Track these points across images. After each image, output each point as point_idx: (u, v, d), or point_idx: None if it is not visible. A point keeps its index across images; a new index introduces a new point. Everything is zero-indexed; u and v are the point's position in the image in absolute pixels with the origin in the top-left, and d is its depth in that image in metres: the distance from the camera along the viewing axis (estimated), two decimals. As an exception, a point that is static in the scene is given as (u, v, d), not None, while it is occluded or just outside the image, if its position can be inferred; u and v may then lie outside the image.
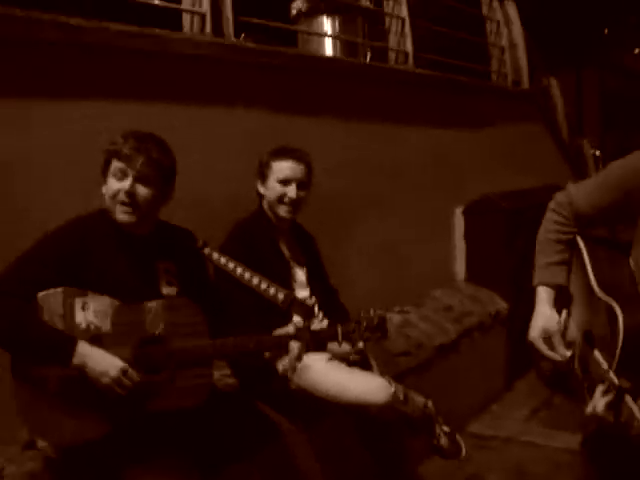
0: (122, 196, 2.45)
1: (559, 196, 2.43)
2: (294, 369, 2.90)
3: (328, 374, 3.12)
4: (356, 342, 2.96)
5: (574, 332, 2.29)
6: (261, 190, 3.32)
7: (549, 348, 2.26)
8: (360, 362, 3.31)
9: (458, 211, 5.70)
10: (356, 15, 5.10)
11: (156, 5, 3.41)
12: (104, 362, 2.32)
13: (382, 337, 2.85)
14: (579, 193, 2.36)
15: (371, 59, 5.17)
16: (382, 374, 3.32)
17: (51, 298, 2.35)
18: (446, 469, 4.15)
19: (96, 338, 2.36)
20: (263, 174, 3.30)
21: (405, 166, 5.06)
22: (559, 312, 2.34)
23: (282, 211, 3.28)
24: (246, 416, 2.71)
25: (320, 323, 3.28)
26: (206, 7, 3.49)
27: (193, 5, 3.51)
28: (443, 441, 3.40)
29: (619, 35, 29.61)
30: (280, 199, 3.26)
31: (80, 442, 2.37)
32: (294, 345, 2.70)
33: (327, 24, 5.01)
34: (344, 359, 3.25)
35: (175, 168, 2.59)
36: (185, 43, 3.35)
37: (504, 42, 6.72)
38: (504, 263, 5.59)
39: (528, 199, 5.93)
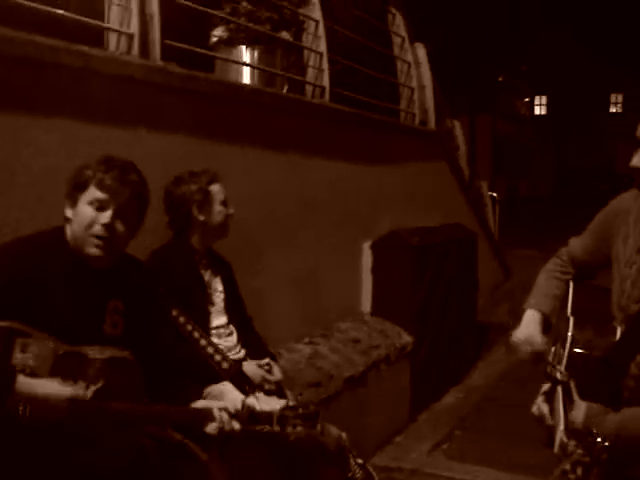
0: (99, 230, 2.33)
1: (563, 247, 2.63)
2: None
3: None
4: (286, 428, 2.86)
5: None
6: (201, 218, 3.28)
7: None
8: (276, 391, 3.31)
9: (366, 245, 5.78)
10: (275, 47, 5.14)
11: (83, 22, 3.33)
12: (50, 389, 2.17)
13: (311, 427, 2.80)
14: (575, 241, 2.57)
15: (288, 91, 5.21)
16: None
17: None
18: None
19: None
20: (203, 202, 3.28)
21: (316, 198, 5.11)
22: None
23: (226, 231, 3.39)
24: (164, 449, 2.63)
25: (237, 354, 3.29)
26: (134, 28, 3.45)
27: (121, 25, 3.47)
28: (358, 474, 3.41)
29: (511, 83, 31.05)
30: (226, 219, 3.36)
31: None
32: (227, 419, 2.55)
33: (246, 54, 5.03)
34: (260, 388, 3.24)
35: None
36: (112, 62, 3.29)
37: (414, 83, 6.92)
38: (410, 298, 5.73)
39: (434, 236, 6.12)
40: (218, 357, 3.01)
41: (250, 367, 3.24)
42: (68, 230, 2.40)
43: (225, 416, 2.50)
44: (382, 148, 6.10)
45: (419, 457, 4.97)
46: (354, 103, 5.77)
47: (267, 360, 3.31)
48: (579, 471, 1.74)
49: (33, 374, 2.19)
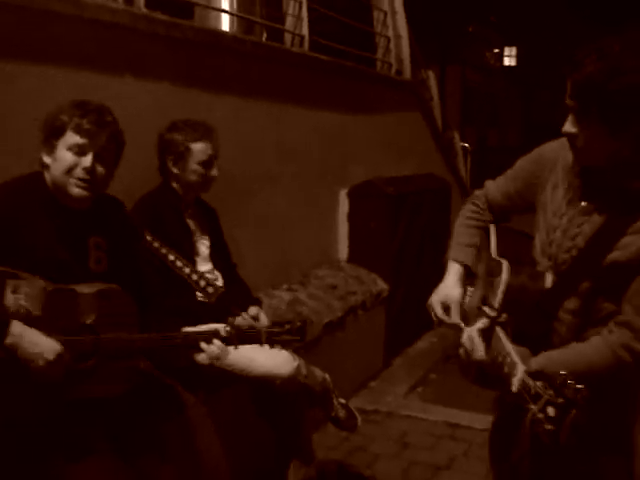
0: (81, 173, 2.36)
1: (477, 191, 2.67)
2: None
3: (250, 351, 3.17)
4: (275, 345, 2.94)
5: (472, 305, 2.47)
6: (174, 170, 3.31)
7: (445, 314, 2.43)
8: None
9: (343, 193, 5.85)
10: (254, -6, 5.14)
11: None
12: (40, 344, 2.19)
13: (300, 341, 2.85)
14: (492, 185, 2.58)
15: (266, 40, 5.21)
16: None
17: None
18: (332, 441, 4.32)
19: (25, 322, 2.22)
20: (180, 155, 3.29)
21: (295, 147, 5.15)
22: (464, 288, 2.53)
23: (204, 189, 3.37)
24: (152, 389, 2.70)
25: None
26: (118, -25, 3.45)
27: (105, -28, 3.45)
28: (341, 413, 3.53)
29: (481, 33, 30.89)
30: (204, 179, 3.32)
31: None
32: (218, 343, 2.62)
33: (225, 1, 5.01)
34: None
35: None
36: (100, 9, 3.29)
37: (390, 32, 6.92)
38: (385, 246, 5.82)
39: (409, 186, 6.20)
40: (202, 283, 3.05)
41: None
42: (47, 176, 2.44)
43: (217, 342, 2.58)
44: (359, 97, 6.12)
45: (395, 400, 5.11)
46: (331, 52, 5.78)
47: (255, 310, 3.36)
48: (550, 411, 1.78)
49: (28, 313, 2.22)
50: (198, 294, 3.20)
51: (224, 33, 4.69)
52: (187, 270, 3.03)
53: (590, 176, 2.18)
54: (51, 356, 2.19)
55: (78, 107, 2.39)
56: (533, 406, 1.81)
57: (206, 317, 2.80)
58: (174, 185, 3.34)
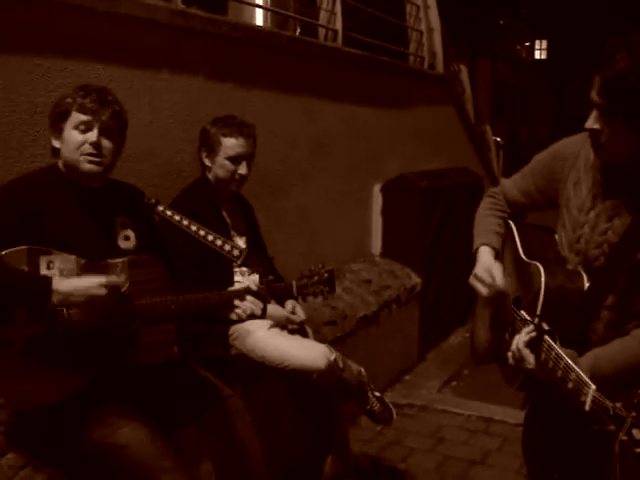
0: (88, 147, 2.46)
1: (492, 188, 2.64)
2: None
3: (271, 341, 3.20)
4: (308, 296, 3.07)
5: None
6: (207, 162, 3.33)
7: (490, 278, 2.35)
8: (299, 330, 3.41)
9: (376, 188, 5.85)
10: (288, -11, 5.14)
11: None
12: (86, 282, 2.32)
13: (330, 291, 3.03)
14: (509, 183, 2.55)
15: (300, 34, 5.21)
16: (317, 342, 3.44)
17: (15, 255, 2.29)
18: (367, 435, 4.33)
19: None
20: (211, 148, 3.30)
21: (329, 142, 5.16)
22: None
23: (232, 186, 3.35)
24: (191, 381, 2.76)
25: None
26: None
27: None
28: (376, 406, 3.53)
29: (512, 26, 30.67)
30: (231, 176, 3.30)
31: (44, 401, 2.34)
32: (250, 299, 2.81)
33: (260, -4, 5.03)
34: (284, 327, 3.34)
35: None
36: (138, 6, 3.32)
37: (422, 26, 6.89)
38: (418, 240, 5.82)
39: (442, 179, 6.18)
40: (227, 246, 3.07)
41: (274, 307, 3.30)
42: (59, 162, 2.55)
43: (250, 297, 2.79)
44: (392, 92, 6.11)
45: (429, 394, 5.11)
46: (363, 46, 5.77)
47: (292, 304, 3.38)
48: (637, 433, 1.71)
49: None
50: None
51: (260, 28, 4.70)
52: (210, 237, 3.03)
53: (614, 171, 2.15)
54: (103, 283, 2.33)
55: (80, 89, 2.52)
56: (614, 428, 1.77)
57: None
58: (209, 177, 3.36)
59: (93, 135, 2.47)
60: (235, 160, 3.29)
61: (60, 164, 2.55)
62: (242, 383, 3.27)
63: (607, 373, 2.00)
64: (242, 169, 3.30)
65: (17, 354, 2.28)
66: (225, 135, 3.28)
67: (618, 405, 1.78)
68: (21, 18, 2.89)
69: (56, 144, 2.53)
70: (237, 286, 3.03)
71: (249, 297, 2.80)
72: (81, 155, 2.47)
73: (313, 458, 3.43)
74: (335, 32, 5.29)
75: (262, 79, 4.37)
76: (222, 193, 3.38)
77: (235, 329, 3.21)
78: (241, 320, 2.91)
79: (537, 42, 36.91)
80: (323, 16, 5.30)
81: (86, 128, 2.47)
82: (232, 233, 3.41)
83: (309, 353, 3.20)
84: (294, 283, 3.03)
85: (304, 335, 3.43)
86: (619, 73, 1.92)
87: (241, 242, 3.45)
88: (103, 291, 2.32)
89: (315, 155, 5.01)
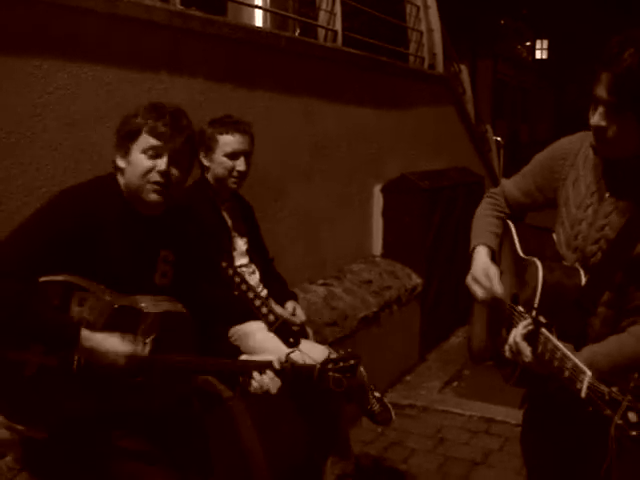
0: (156, 176, 2.31)
1: (492, 189, 2.65)
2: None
3: (270, 342, 3.19)
4: (327, 382, 2.86)
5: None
6: (205, 162, 3.32)
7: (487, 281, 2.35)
8: (299, 331, 3.40)
9: (377, 188, 5.84)
10: (288, -10, 5.14)
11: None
12: (110, 345, 2.22)
13: (351, 377, 2.78)
14: (509, 184, 2.55)
15: (299, 35, 5.21)
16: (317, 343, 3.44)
17: (50, 286, 2.21)
18: (368, 436, 4.33)
19: None
20: (208, 147, 3.30)
21: (329, 142, 5.15)
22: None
23: (230, 183, 3.32)
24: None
25: (260, 293, 3.37)
26: (153, -28, 3.47)
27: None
28: (375, 407, 3.53)
29: (513, 26, 30.67)
30: (229, 173, 3.29)
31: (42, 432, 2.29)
32: (270, 375, 2.53)
33: (259, -4, 5.03)
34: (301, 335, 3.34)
35: None
36: (136, 7, 3.32)
37: (422, 26, 6.89)
38: (419, 241, 5.81)
39: (443, 180, 6.17)
40: (264, 309, 3.05)
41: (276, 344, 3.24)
42: (121, 179, 2.39)
43: (270, 373, 2.49)
44: (392, 92, 6.11)
45: (430, 395, 5.10)
46: (363, 47, 5.77)
47: (292, 305, 3.39)
48: (632, 417, 1.69)
49: (89, 327, 2.22)
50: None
51: (259, 29, 4.70)
52: (251, 295, 3.02)
53: (614, 168, 2.16)
54: (126, 354, 2.24)
55: (153, 110, 2.35)
56: (610, 412, 1.77)
57: None
58: (208, 178, 3.36)
59: (163, 163, 2.31)
60: (232, 156, 3.28)
61: (121, 181, 2.39)
62: (242, 386, 3.26)
63: (604, 368, 1.99)
64: (240, 165, 3.29)
65: (27, 379, 2.22)
66: (221, 133, 3.28)
67: (614, 389, 1.78)
68: (20, 19, 2.88)
69: (121, 163, 2.37)
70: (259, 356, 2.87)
71: (269, 373, 2.65)
72: (147, 183, 2.32)
73: (314, 459, 3.42)
74: (335, 33, 5.28)
75: (261, 80, 4.37)
76: (222, 193, 3.38)
77: (235, 331, 3.21)
78: None
79: (538, 42, 36.90)
80: (322, 17, 5.30)
81: (155, 154, 2.31)
82: (233, 234, 3.41)
83: (309, 354, 3.19)
84: (317, 367, 2.60)
85: (305, 336, 3.43)
86: (628, 69, 1.92)
87: (242, 242, 3.45)
88: (122, 361, 2.23)
89: (315, 156, 5.00)
